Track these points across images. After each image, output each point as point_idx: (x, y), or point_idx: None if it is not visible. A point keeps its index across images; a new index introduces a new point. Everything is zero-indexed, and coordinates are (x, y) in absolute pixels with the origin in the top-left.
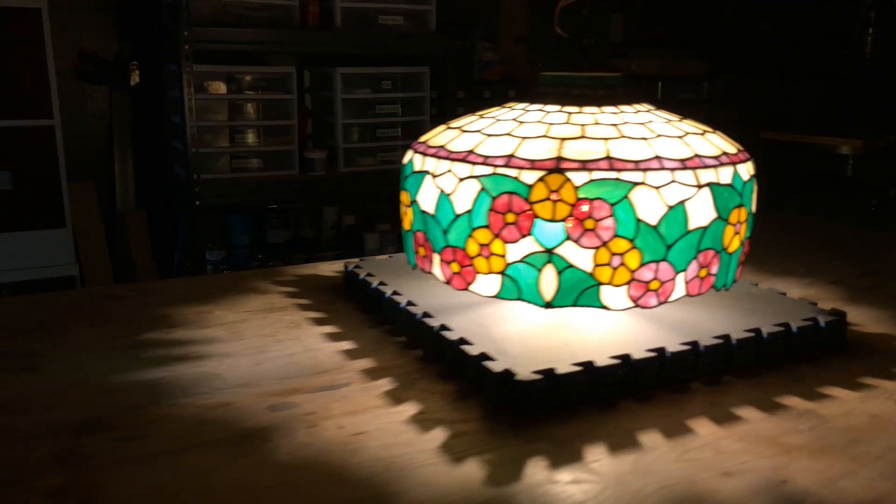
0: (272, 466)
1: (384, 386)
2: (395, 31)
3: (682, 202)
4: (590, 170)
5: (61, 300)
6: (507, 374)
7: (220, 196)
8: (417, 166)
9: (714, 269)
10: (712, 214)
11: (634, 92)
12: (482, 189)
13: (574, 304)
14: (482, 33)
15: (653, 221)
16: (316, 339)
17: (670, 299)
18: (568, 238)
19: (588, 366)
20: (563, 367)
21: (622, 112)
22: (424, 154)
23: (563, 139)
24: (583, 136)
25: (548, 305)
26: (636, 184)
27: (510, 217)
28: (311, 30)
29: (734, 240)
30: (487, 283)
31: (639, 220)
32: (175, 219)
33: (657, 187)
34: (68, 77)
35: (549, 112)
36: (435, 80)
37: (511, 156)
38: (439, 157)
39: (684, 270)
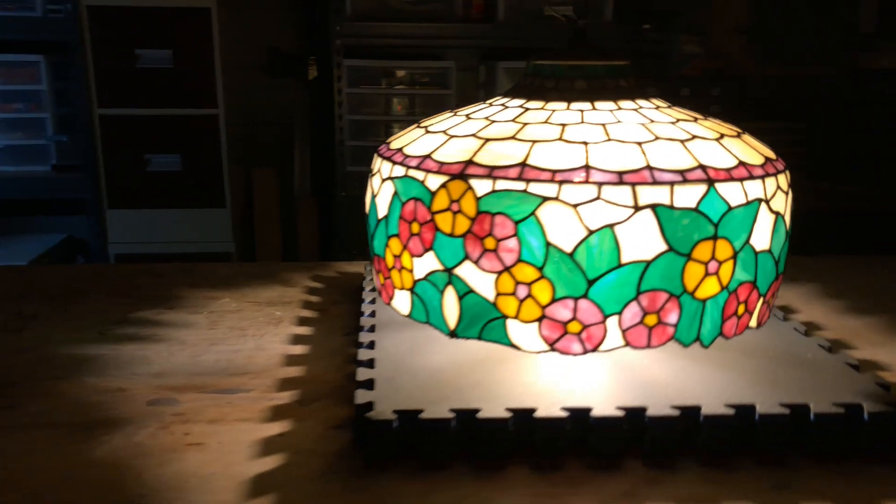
0: (87, 461)
1: (279, 400)
2: (560, 23)
3: (609, 226)
4: (495, 178)
5: (98, 270)
6: (364, 408)
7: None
8: (375, 167)
9: (671, 318)
10: (660, 246)
11: (642, 84)
12: (395, 193)
13: (480, 337)
14: (683, 23)
15: (567, 248)
16: (278, 338)
17: (603, 348)
18: (466, 257)
19: (467, 415)
20: (440, 412)
21: (616, 109)
22: (380, 155)
23: (488, 140)
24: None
25: (452, 335)
26: (547, 198)
27: (415, 227)
28: (472, 23)
29: (707, 283)
30: (402, 300)
31: (549, 244)
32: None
33: (574, 205)
34: (254, 71)
35: (513, 108)
36: None
37: (427, 156)
38: (381, 157)
39: (618, 314)
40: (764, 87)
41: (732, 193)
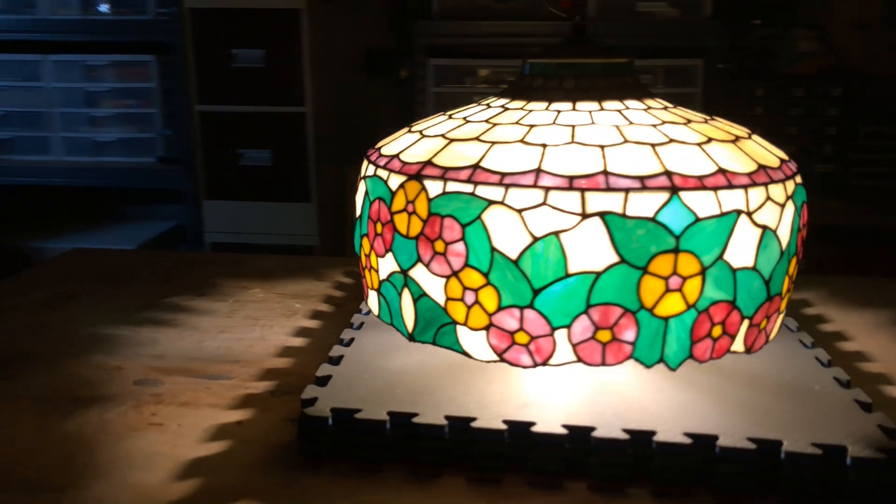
0: (55, 434)
1: (253, 389)
2: (656, 19)
3: (554, 234)
4: (447, 179)
5: (154, 257)
6: (307, 404)
7: None
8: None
9: (627, 335)
10: (611, 257)
11: (638, 82)
12: (366, 192)
13: (434, 342)
14: (797, 17)
15: (512, 255)
16: (284, 330)
17: (554, 362)
18: (419, 260)
19: (402, 418)
20: (378, 413)
21: (597, 110)
22: (366, 154)
23: (453, 141)
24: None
25: (410, 338)
26: (493, 202)
27: (379, 227)
28: (560, 20)
29: (669, 299)
30: (373, 300)
31: (494, 250)
32: None
33: (519, 210)
34: (345, 70)
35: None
36: (713, 73)
37: (395, 156)
38: (366, 156)
39: (566, 327)
40: (889, 88)
41: (702, 203)
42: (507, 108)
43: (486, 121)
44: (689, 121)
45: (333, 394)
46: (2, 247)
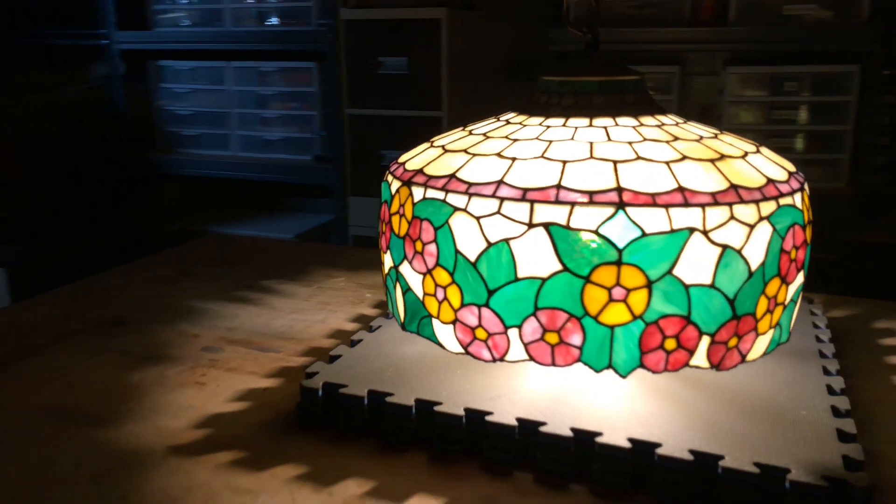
0: (123, 382)
1: (292, 363)
2: (805, 22)
3: (505, 240)
4: (427, 186)
5: (272, 245)
6: (309, 377)
7: None
8: None
9: (574, 339)
10: (554, 265)
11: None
12: (382, 195)
13: (418, 333)
14: None
15: (472, 257)
16: (345, 316)
17: (510, 358)
18: (405, 257)
19: (378, 397)
20: (359, 390)
21: (585, 126)
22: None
23: (447, 151)
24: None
25: (403, 327)
26: (458, 209)
27: (383, 226)
28: (701, 26)
29: (614, 309)
30: (384, 293)
31: (457, 252)
32: None
33: (478, 217)
34: (489, 75)
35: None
36: (874, 80)
37: (403, 163)
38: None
39: (517, 326)
40: None
41: (650, 219)
42: (508, 123)
43: (484, 134)
44: (677, 138)
45: (334, 371)
46: (185, 230)
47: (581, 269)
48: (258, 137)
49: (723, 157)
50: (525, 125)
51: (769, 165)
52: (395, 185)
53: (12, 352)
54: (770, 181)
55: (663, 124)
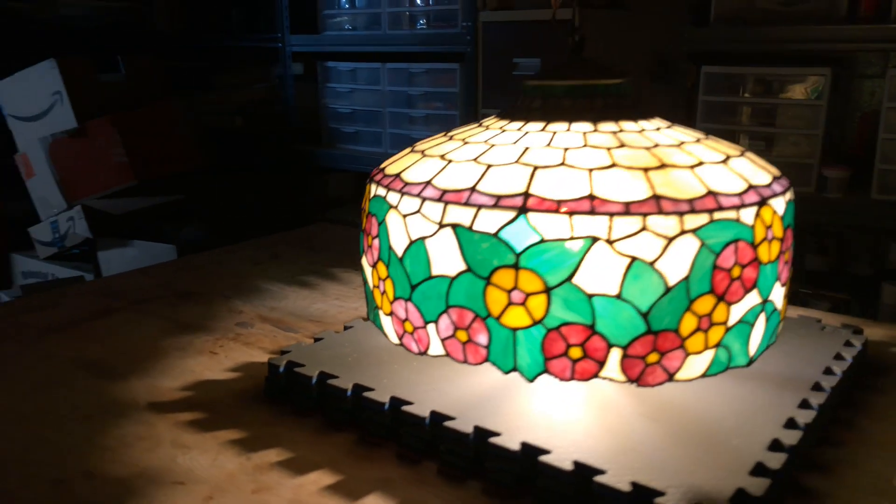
0: (156, 345)
1: (304, 342)
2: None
3: (421, 239)
4: (378, 183)
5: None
6: (282, 353)
7: None
8: None
9: (480, 339)
10: (460, 265)
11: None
12: None
13: (374, 322)
14: None
15: (399, 252)
16: None
17: (430, 352)
18: (362, 251)
19: (325, 377)
20: (312, 371)
21: (538, 131)
22: None
23: (414, 151)
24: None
25: (367, 317)
26: (392, 207)
27: (363, 220)
28: (861, 23)
29: (513, 312)
30: None
31: (390, 248)
32: None
33: (404, 215)
34: (642, 77)
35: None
36: None
37: (383, 168)
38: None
39: (434, 322)
40: None
41: (551, 226)
42: (479, 126)
43: (450, 137)
44: (623, 144)
45: (305, 352)
46: (341, 220)
47: (483, 270)
48: (406, 135)
49: (664, 166)
50: (488, 128)
51: (730, 177)
52: (371, 182)
53: (96, 311)
54: (711, 194)
55: (622, 130)
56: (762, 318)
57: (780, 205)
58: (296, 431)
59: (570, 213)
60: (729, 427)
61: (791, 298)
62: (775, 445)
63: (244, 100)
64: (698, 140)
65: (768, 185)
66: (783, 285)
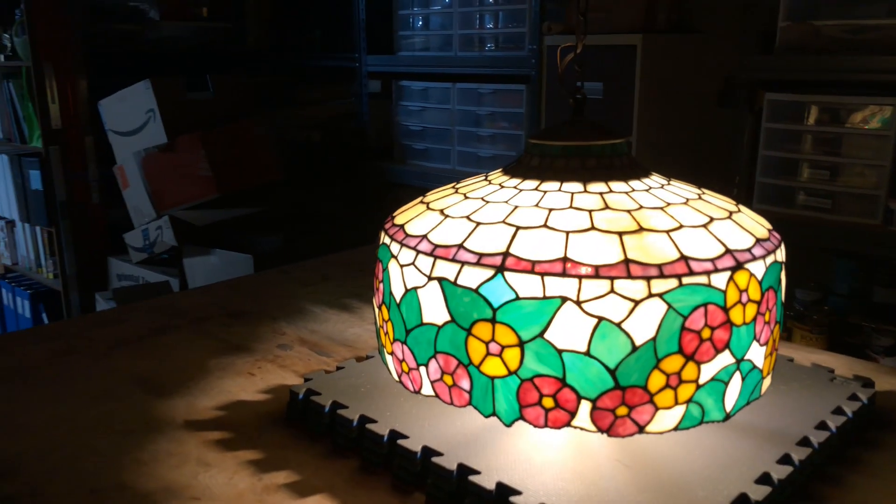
0: (199, 363)
1: (330, 367)
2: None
3: (415, 289)
4: (387, 233)
5: None
6: (305, 379)
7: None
8: None
9: (464, 384)
10: (445, 316)
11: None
12: None
13: (381, 357)
14: None
15: (398, 299)
16: None
17: (423, 392)
18: (373, 292)
19: (334, 407)
20: (326, 402)
21: (531, 189)
22: None
23: (421, 203)
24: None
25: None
26: (393, 256)
27: None
28: None
29: (491, 362)
30: None
31: (391, 294)
32: None
33: (402, 265)
34: (695, 100)
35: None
36: None
37: (393, 217)
38: None
39: (425, 365)
40: None
41: (525, 285)
42: (485, 180)
43: (456, 190)
44: (607, 207)
45: (324, 380)
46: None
47: (464, 321)
48: (473, 154)
49: (641, 229)
50: (490, 183)
51: (707, 241)
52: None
53: (158, 328)
54: (683, 258)
55: (610, 191)
56: (737, 376)
57: (758, 268)
58: (306, 455)
59: (543, 274)
60: (700, 478)
61: (853, 332)
62: (742, 500)
63: (323, 116)
64: (687, 201)
65: (748, 249)
66: (763, 345)
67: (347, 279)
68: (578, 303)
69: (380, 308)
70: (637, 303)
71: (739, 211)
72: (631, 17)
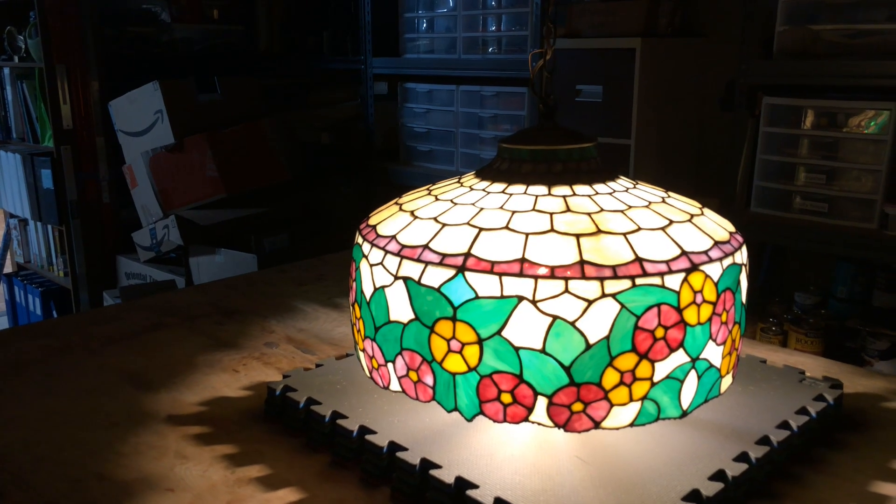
0: (189, 357)
1: (312, 365)
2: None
3: (382, 288)
4: (360, 233)
5: None
6: (283, 376)
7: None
8: None
9: (427, 379)
10: (410, 314)
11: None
12: None
13: (356, 354)
14: None
15: (367, 297)
16: None
17: (391, 388)
18: (349, 290)
19: (308, 403)
20: (301, 398)
21: (499, 192)
22: None
23: (396, 204)
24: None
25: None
26: (364, 256)
27: None
28: None
29: (452, 358)
30: None
31: (362, 292)
32: None
33: (371, 265)
34: (695, 104)
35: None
36: None
37: (368, 218)
38: None
39: (392, 362)
40: None
41: (484, 284)
42: (458, 182)
43: (429, 191)
44: (568, 209)
45: (302, 377)
46: None
47: (427, 319)
48: (476, 155)
49: (598, 232)
50: (461, 185)
51: (663, 243)
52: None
53: (151, 325)
54: (638, 260)
55: (574, 194)
56: (693, 374)
57: (714, 270)
58: (280, 450)
59: (501, 275)
60: (655, 474)
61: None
62: (693, 496)
63: (330, 118)
64: (649, 204)
65: (705, 252)
66: (720, 344)
67: (343, 278)
68: (534, 302)
69: (353, 306)
70: (591, 302)
71: (702, 214)
72: (632, 22)
